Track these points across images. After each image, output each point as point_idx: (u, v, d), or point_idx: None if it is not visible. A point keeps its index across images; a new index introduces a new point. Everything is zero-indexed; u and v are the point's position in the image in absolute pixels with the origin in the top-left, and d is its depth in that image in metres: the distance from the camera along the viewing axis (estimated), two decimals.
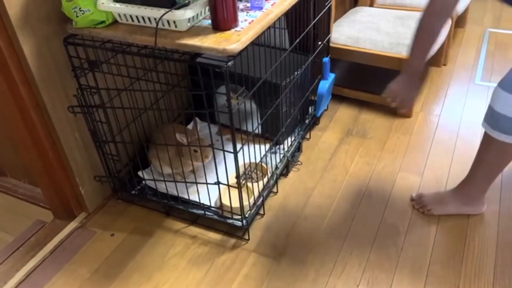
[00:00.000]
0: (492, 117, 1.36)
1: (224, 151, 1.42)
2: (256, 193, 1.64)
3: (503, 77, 1.33)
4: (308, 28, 1.78)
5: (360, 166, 1.89)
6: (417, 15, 2.31)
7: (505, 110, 1.31)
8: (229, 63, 1.21)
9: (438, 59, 2.48)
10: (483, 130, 1.42)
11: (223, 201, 1.59)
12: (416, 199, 1.67)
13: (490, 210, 1.64)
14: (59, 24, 1.37)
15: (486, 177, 1.52)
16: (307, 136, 2.06)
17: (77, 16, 1.30)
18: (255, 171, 1.73)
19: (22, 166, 1.88)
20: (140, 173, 1.70)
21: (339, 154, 1.96)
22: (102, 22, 1.32)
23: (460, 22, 2.87)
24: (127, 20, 1.31)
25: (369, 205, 1.70)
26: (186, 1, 1.25)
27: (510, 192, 1.71)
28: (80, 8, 1.28)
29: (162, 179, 1.63)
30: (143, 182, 1.72)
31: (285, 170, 1.86)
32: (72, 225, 1.69)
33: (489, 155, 1.45)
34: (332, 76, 2.03)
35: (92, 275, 1.51)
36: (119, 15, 1.31)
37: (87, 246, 1.61)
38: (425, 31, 1.28)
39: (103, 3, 1.28)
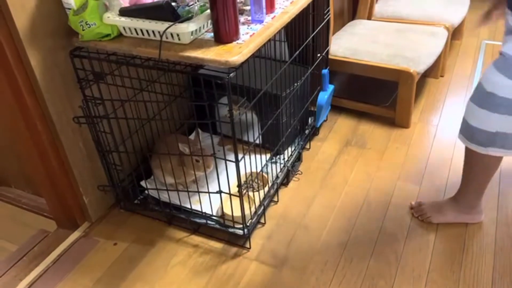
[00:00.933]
0: (467, 130, 1.41)
1: (226, 160, 1.45)
2: (257, 202, 1.66)
3: (473, 91, 1.39)
4: (307, 41, 1.82)
5: (359, 175, 1.92)
6: (415, 27, 2.36)
7: (478, 123, 1.37)
8: (231, 75, 1.24)
9: (436, 71, 2.52)
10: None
11: (224, 210, 1.61)
12: (415, 207, 1.70)
13: (488, 218, 1.66)
14: (66, 37, 1.41)
15: (477, 186, 1.55)
16: (307, 146, 2.09)
17: (83, 30, 1.33)
18: (256, 180, 1.76)
19: (26, 176, 1.90)
20: (142, 182, 1.73)
21: (339, 164, 1.99)
22: (108, 35, 1.36)
23: (456, 34, 2.92)
24: (131, 33, 1.35)
25: (368, 214, 1.72)
26: (189, 15, 1.29)
27: (507, 199, 1.74)
28: (87, 22, 1.32)
29: (165, 188, 1.65)
30: (146, 191, 1.74)
31: (286, 180, 1.88)
32: (75, 234, 1.71)
33: (473, 166, 1.50)
34: (331, 87, 2.06)
35: (95, 284, 1.52)
36: (124, 29, 1.35)
37: (90, 255, 1.63)
38: None
39: (108, 17, 1.32)
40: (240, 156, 1.43)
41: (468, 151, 1.48)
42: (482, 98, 1.34)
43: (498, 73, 1.29)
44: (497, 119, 1.33)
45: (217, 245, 1.63)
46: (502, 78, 1.28)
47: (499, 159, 1.45)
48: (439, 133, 2.14)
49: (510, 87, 1.27)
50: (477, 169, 1.50)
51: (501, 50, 1.31)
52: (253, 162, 1.68)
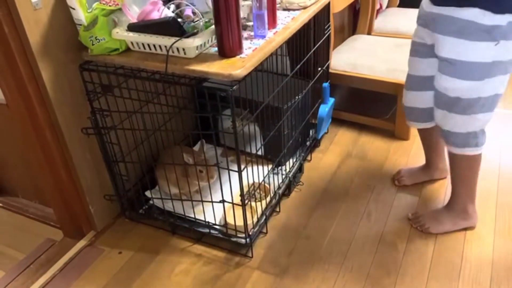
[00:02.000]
0: (443, 135, 1.55)
1: (229, 170, 1.49)
2: (259, 212, 1.70)
3: (435, 100, 1.52)
4: (308, 55, 1.87)
5: (360, 186, 1.95)
6: None
7: (450, 127, 1.49)
8: (234, 87, 1.29)
9: None
10: None
11: (227, 219, 1.65)
12: (412, 218, 1.73)
13: (486, 228, 1.69)
14: (76, 51, 1.47)
15: (466, 188, 1.62)
16: (308, 157, 2.13)
17: (93, 44, 1.39)
18: (258, 191, 1.80)
19: (34, 186, 1.95)
20: (147, 192, 1.77)
21: (339, 175, 2.02)
22: (116, 49, 1.41)
23: None
24: (139, 48, 1.41)
25: (368, 224, 1.75)
26: (195, 30, 1.35)
27: (504, 210, 1.77)
28: (96, 37, 1.37)
29: (169, 198, 1.69)
30: (150, 201, 1.78)
31: (287, 190, 1.92)
32: (81, 243, 1.75)
33: (458, 169, 1.60)
34: (331, 100, 2.11)
35: None
36: (132, 43, 1.41)
37: (96, 264, 1.66)
38: None
39: (117, 32, 1.38)
40: (242, 166, 1.47)
41: (450, 155, 1.58)
42: (449, 104, 1.44)
43: (451, 77, 1.38)
44: (466, 120, 1.44)
45: (220, 254, 1.67)
46: (458, 81, 1.37)
47: (479, 155, 1.53)
48: None
49: (469, 88, 1.37)
50: (462, 170, 1.59)
51: (441, 56, 1.39)
52: (255, 173, 1.72)
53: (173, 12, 1.44)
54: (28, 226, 1.93)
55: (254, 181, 1.73)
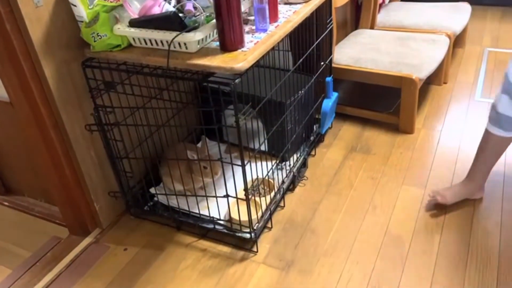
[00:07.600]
0: (495, 117, 1.57)
1: (232, 164, 1.49)
2: (264, 207, 1.70)
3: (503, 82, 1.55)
4: (310, 49, 1.87)
5: (364, 180, 1.94)
6: (416, 35, 2.41)
7: (503, 110, 1.53)
8: (236, 81, 1.29)
9: (439, 78, 2.56)
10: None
11: (232, 214, 1.65)
12: (431, 194, 1.78)
13: (493, 220, 1.68)
14: (78, 48, 1.48)
15: (485, 169, 1.71)
16: (313, 152, 2.12)
17: (95, 41, 1.40)
18: (262, 186, 1.79)
19: (39, 185, 1.96)
20: (152, 189, 1.77)
21: (344, 170, 2.02)
22: (118, 45, 1.42)
23: (459, 42, 2.96)
24: (141, 44, 1.41)
25: (373, 217, 1.75)
26: (196, 25, 1.35)
27: (511, 203, 1.75)
28: (98, 33, 1.38)
29: (174, 194, 1.69)
30: (155, 198, 1.78)
31: (292, 185, 1.91)
32: (87, 240, 1.75)
33: (487, 150, 1.66)
34: (335, 95, 2.10)
35: None
36: (134, 39, 1.41)
37: (101, 261, 1.67)
38: None
39: (119, 28, 1.38)
40: (246, 161, 1.47)
41: (487, 137, 1.63)
42: (507, 87, 1.49)
43: None
44: None
45: (225, 249, 1.67)
46: None
47: (508, 143, 1.62)
48: (442, 138, 2.17)
49: None
50: (489, 153, 1.66)
51: None
52: (259, 168, 1.72)
53: (174, 6, 1.44)
54: (34, 224, 1.95)
55: (258, 176, 1.73)
